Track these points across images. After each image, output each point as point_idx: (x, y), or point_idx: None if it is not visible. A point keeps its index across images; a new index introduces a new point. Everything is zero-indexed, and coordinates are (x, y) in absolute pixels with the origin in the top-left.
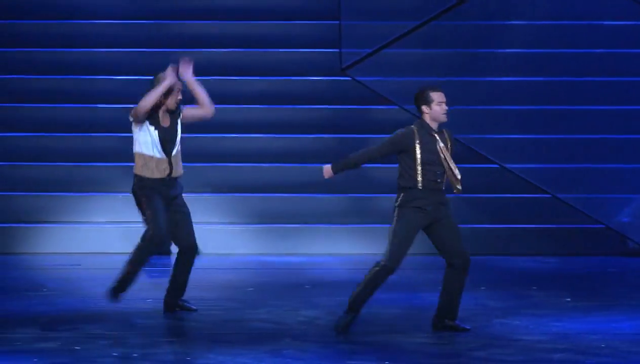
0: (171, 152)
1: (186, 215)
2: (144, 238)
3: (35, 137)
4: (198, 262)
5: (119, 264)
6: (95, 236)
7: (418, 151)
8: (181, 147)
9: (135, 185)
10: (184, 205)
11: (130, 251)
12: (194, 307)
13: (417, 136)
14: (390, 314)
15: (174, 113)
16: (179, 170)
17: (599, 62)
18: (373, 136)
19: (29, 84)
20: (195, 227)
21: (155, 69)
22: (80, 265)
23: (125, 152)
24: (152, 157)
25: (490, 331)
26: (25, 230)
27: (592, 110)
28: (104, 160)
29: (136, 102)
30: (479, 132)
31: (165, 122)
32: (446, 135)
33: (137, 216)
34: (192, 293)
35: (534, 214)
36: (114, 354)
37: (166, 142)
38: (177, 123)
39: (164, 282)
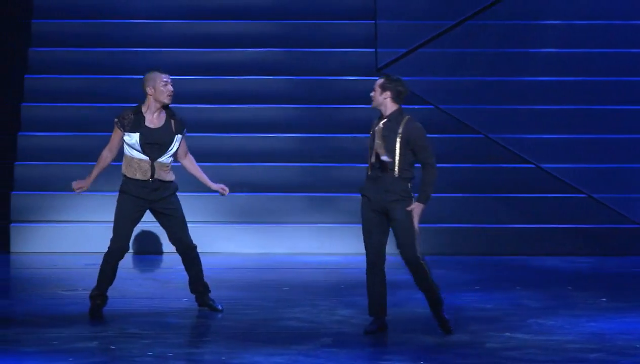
0: (157, 157)
1: (173, 217)
2: (107, 251)
3: (78, 136)
4: (233, 262)
5: (155, 263)
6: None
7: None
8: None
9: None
10: (172, 205)
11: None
12: (220, 307)
13: (375, 123)
14: (423, 314)
15: (173, 117)
16: (164, 176)
17: (636, 62)
18: None
19: (70, 83)
20: (230, 227)
21: (198, 67)
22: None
23: None
24: (132, 158)
25: (525, 330)
26: (58, 229)
27: (628, 110)
28: None
29: (180, 100)
30: (514, 131)
31: (154, 122)
32: (402, 123)
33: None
34: (227, 292)
35: (569, 214)
36: (149, 353)
37: (149, 146)
38: (172, 131)
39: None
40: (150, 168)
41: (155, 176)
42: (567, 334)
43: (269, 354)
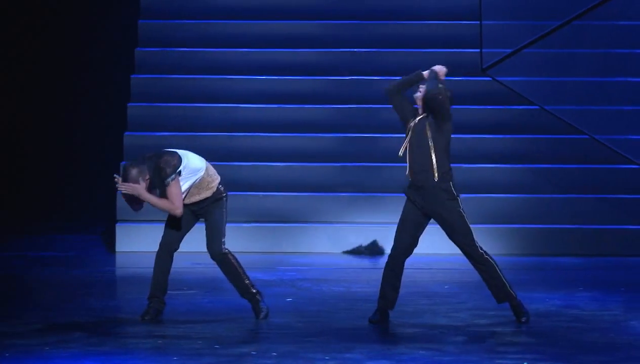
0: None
1: (207, 221)
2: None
3: (184, 136)
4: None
5: (257, 263)
6: (239, 235)
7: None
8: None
9: None
10: (207, 212)
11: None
12: (262, 315)
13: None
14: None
15: (158, 181)
16: (197, 198)
17: None
18: (515, 136)
19: (176, 83)
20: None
21: (299, 69)
22: None
23: (269, 151)
24: None
25: (630, 332)
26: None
27: None
28: (245, 159)
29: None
30: (620, 132)
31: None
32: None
33: (274, 215)
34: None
35: None
36: (253, 353)
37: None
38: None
39: (303, 281)
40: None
41: (188, 203)
42: None
43: (372, 357)
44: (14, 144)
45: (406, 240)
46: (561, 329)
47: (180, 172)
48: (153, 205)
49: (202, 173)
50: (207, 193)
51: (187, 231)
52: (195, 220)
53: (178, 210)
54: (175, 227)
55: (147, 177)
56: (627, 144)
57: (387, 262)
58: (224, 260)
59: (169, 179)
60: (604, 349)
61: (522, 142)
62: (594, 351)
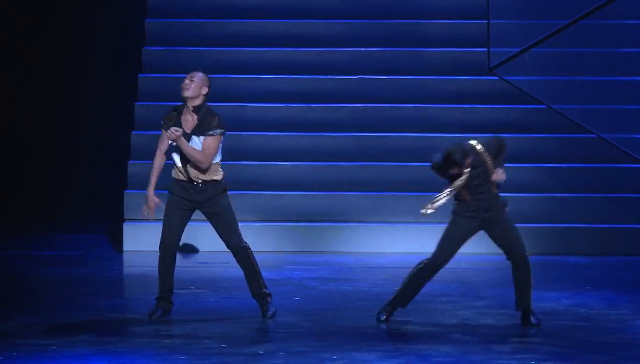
0: (187, 159)
1: (219, 217)
2: None
3: None
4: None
5: (265, 262)
6: (246, 233)
7: None
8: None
9: None
10: (217, 205)
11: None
12: (270, 313)
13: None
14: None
15: (204, 117)
16: (202, 176)
17: None
18: (522, 135)
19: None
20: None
21: (307, 68)
22: (228, 262)
23: (277, 150)
24: (174, 160)
25: (637, 331)
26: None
27: None
28: (252, 158)
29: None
30: (627, 131)
31: (188, 125)
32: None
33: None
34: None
35: None
36: (260, 352)
37: (178, 147)
38: (194, 134)
39: (311, 280)
40: (184, 170)
41: (192, 177)
42: None
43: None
44: (15, 144)
45: (449, 256)
46: (569, 328)
47: (223, 134)
48: (183, 149)
49: (220, 157)
50: (212, 176)
51: (184, 228)
52: (191, 214)
53: (204, 165)
54: (169, 226)
55: (207, 88)
56: (635, 143)
57: (423, 268)
58: (245, 254)
59: (217, 131)
60: (610, 348)
61: (529, 141)
62: (601, 350)
